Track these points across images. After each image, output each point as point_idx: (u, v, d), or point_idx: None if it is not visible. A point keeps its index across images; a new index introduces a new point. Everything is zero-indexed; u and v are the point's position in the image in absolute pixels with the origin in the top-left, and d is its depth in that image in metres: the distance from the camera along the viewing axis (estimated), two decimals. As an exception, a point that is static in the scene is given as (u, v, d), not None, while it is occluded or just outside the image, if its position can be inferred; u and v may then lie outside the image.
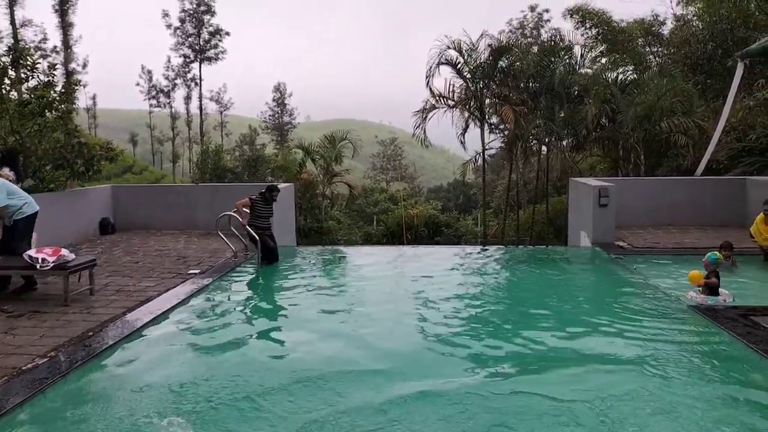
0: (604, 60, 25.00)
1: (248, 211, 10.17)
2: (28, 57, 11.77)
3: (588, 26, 27.23)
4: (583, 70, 22.29)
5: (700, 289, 7.48)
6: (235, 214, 10.22)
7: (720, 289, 7.40)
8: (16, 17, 43.59)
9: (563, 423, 4.32)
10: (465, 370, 5.39)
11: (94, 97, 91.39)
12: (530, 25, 48.39)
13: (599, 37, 26.78)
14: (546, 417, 4.40)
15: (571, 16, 27.78)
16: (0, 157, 10.36)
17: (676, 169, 19.86)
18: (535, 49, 23.28)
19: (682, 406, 4.55)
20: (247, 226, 9.97)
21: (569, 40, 21.86)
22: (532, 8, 49.39)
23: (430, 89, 22.81)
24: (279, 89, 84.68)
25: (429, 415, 4.44)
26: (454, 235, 28.79)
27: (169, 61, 72.94)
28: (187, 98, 74.81)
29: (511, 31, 43.65)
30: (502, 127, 24.70)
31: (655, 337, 6.11)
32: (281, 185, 13.82)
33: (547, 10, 49.03)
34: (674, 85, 19.83)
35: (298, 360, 5.71)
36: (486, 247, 13.86)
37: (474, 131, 23.73)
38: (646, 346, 5.86)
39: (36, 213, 7.86)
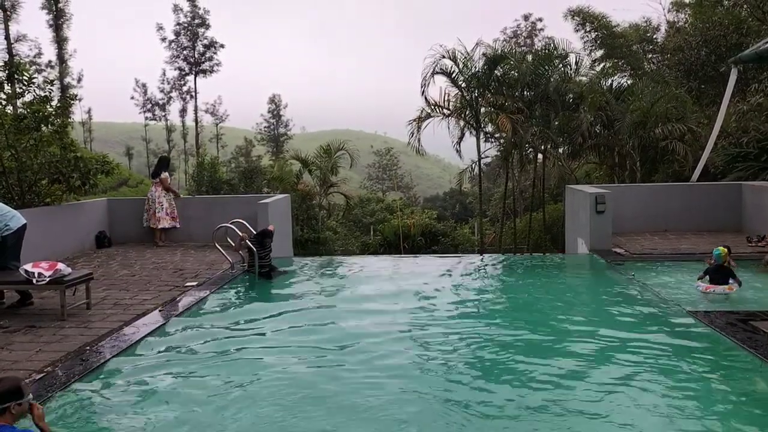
0: (602, 65, 25.05)
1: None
2: (24, 72, 11.77)
3: (588, 29, 27.26)
4: (578, 78, 22.33)
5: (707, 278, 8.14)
6: (232, 226, 10.18)
7: (730, 281, 7.98)
8: (10, 32, 43.74)
9: (559, 427, 4.35)
10: (461, 379, 5.38)
11: (89, 111, 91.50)
12: (523, 34, 48.78)
13: (598, 41, 26.84)
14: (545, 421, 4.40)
15: (572, 18, 27.79)
16: None
17: (671, 175, 19.91)
18: (530, 57, 23.28)
19: (683, 412, 4.53)
20: (247, 241, 9.93)
21: (563, 49, 21.90)
22: (526, 17, 49.85)
23: (425, 98, 22.82)
24: (274, 101, 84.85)
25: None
26: (451, 244, 28.76)
27: (164, 74, 73.01)
28: (183, 111, 74.72)
29: (505, 40, 43.91)
30: (497, 135, 24.69)
31: (655, 343, 6.10)
32: (278, 196, 13.82)
33: (540, 19, 49.51)
34: (667, 91, 19.90)
35: (295, 373, 5.67)
36: (484, 256, 13.84)
37: (470, 140, 23.74)
38: (645, 352, 5.85)
39: (24, 226, 7.81)
